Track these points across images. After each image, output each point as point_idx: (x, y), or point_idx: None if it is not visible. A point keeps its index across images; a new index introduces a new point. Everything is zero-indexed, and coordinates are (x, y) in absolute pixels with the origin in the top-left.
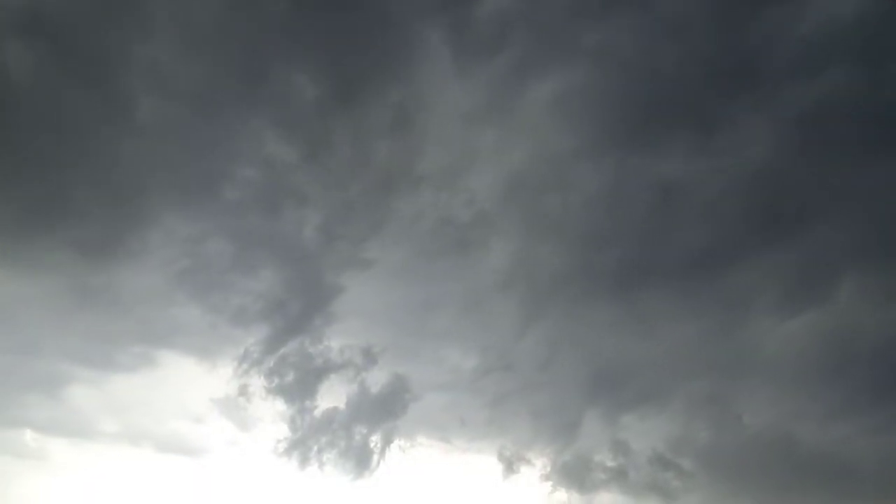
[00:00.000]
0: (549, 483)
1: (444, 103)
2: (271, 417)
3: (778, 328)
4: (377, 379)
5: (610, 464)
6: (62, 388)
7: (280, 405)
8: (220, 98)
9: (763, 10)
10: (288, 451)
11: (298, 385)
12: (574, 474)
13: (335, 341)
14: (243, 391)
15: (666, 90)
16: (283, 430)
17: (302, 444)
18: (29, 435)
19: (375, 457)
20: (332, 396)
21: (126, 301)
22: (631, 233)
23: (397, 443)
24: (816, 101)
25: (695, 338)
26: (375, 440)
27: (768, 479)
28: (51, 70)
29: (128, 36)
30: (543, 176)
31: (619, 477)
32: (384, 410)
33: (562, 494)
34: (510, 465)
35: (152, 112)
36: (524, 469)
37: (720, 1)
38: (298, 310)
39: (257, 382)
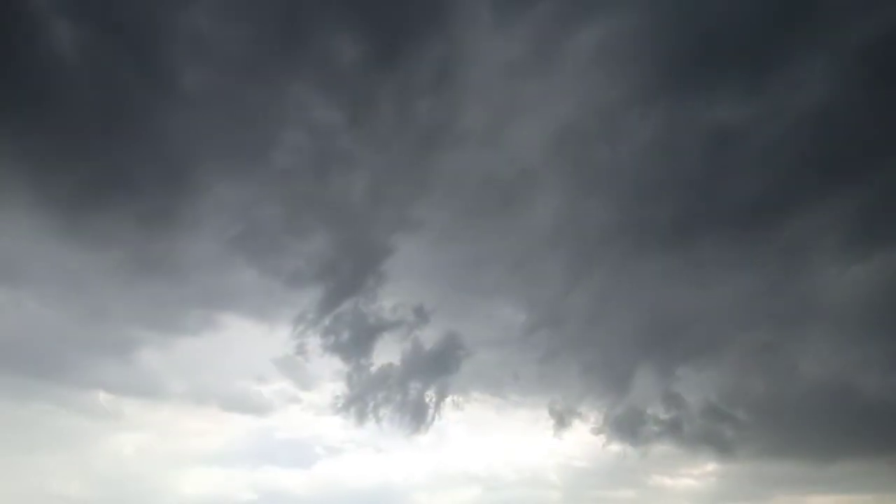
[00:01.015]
0: (603, 436)
1: (485, 57)
2: (329, 375)
3: (841, 275)
4: (430, 336)
5: (663, 416)
6: (132, 351)
7: (337, 363)
8: (263, 64)
9: None
10: (346, 407)
11: (353, 343)
12: (626, 427)
13: (387, 301)
14: (301, 350)
15: (717, 30)
16: (341, 388)
17: (359, 399)
18: (102, 396)
19: (430, 412)
20: (386, 354)
21: (186, 267)
22: (684, 182)
23: (451, 398)
24: (879, 33)
25: (752, 287)
26: (430, 395)
27: (826, 429)
28: (98, 48)
29: (169, 7)
30: (590, 127)
31: (672, 429)
32: (438, 367)
33: (616, 447)
34: (561, 420)
35: (198, 82)
36: (576, 423)
37: None
38: (350, 271)
39: (314, 342)
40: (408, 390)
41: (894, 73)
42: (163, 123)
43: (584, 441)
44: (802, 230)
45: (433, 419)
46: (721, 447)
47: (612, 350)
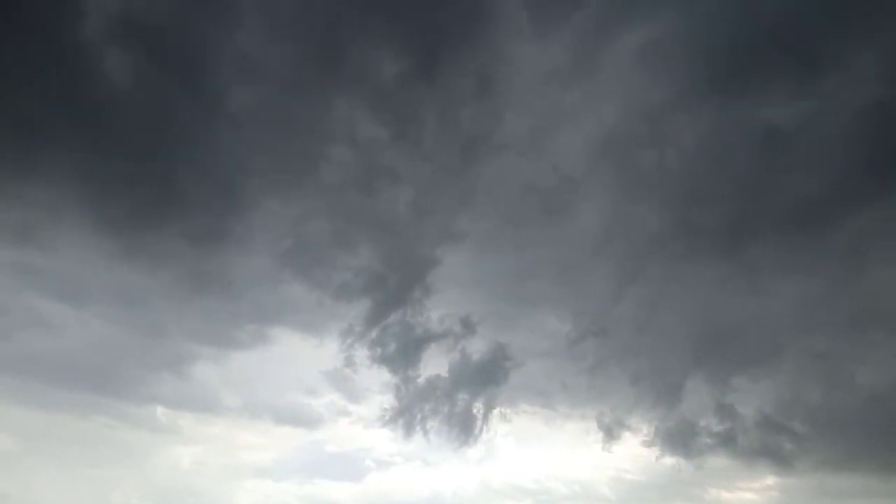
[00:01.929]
0: (656, 448)
1: (526, 65)
2: (378, 388)
3: None
4: (477, 347)
5: (716, 428)
6: (187, 366)
7: (385, 375)
8: (308, 82)
9: None
10: (394, 419)
11: (401, 355)
12: (678, 440)
13: (434, 312)
14: (349, 362)
15: (765, 27)
16: (389, 400)
17: (407, 412)
18: (160, 410)
19: (478, 424)
20: (434, 366)
21: (238, 283)
22: (734, 185)
23: (499, 410)
24: None
25: (808, 293)
26: (478, 407)
27: (888, 441)
28: (148, 72)
29: (215, 30)
30: (634, 132)
31: (727, 441)
32: (485, 378)
33: (670, 460)
34: (610, 432)
35: (245, 101)
36: (627, 435)
37: None
38: (397, 283)
39: (362, 354)
40: (455, 402)
41: None
42: (212, 143)
43: (635, 454)
44: (860, 232)
45: (481, 431)
46: (779, 460)
47: (663, 360)
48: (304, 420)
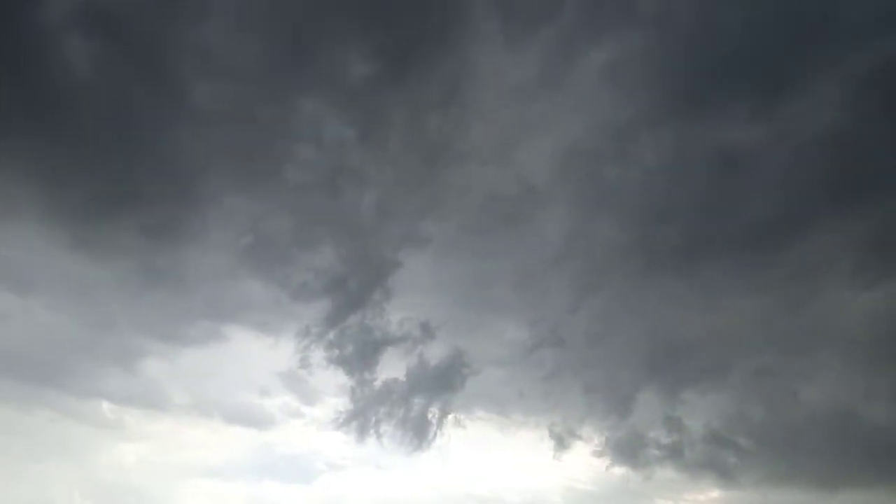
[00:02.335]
0: (606, 458)
1: (495, 75)
2: (333, 390)
3: (850, 302)
4: (436, 352)
5: (665, 440)
6: (136, 361)
7: (341, 377)
8: (274, 79)
9: None
10: (347, 422)
11: (358, 357)
12: (628, 450)
13: (394, 315)
14: (305, 363)
15: (727, 53)
16: (344, 403)
17: (361, 414)
18: (106, 406)
19: (433, 429)
20: (391, 369)
21: (192, 279)
22: (692, 204)
23: (454, 416)
24: (890, 59)
25: (759, 312)
26: (433, 412)
27: (829, 458)
28: (108, 62)
29: (180, 22)
30: (598, 147)
31: (674, 454)
32: (443, 383)
33: (619, 470)
34: (561, 441)
35: (208, 96)
36: (579, 445)
37: None
38: (357, 285)
39: (318, 355)
40: (411, 406)
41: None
42: (172, 136)
43: (587, 463)
44: (811, 256)
45: (435, 437)
46: (723, 473)
47: (616, 371)
48: (255, 420)
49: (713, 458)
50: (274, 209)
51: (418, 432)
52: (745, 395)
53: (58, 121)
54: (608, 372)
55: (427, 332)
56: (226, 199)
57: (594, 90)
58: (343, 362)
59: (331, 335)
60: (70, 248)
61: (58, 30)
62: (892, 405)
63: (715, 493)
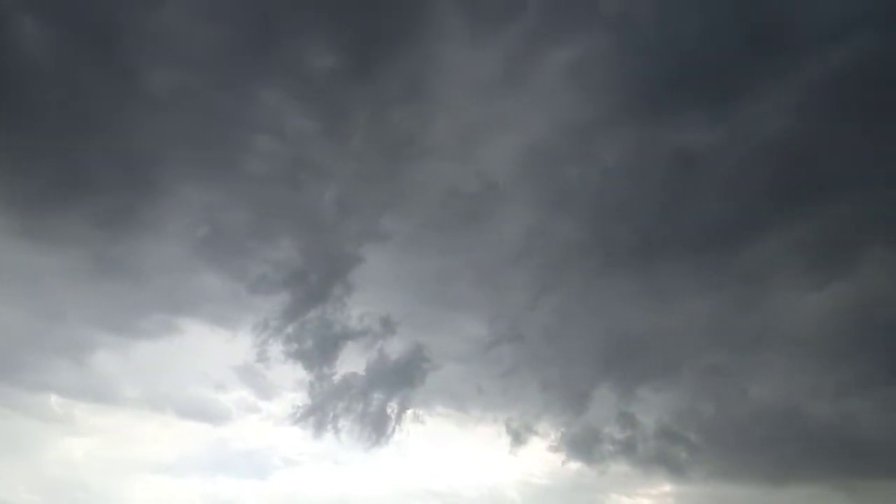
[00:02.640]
0: (562, 454)
1: (458, 72)
2: (291, 385)
3: (798, 303)
4: (396, 347)
5: (619, 436)
6: (86, 354)
7: (299, 372)
8: (234, 67)
9: None
10: (304, 417)
11: (317, 351)
12: (583, 446)
13: (354, 310)
14: (262, 357)
15: (686, 57)
16: (302, 398)
17: (319, 409)
18: (54, 399)
19: (392, 424)
20: (351, 364)
21: (146, 270)
22: (649, 204)
23: (413, 411)
24: (842, 67)
25: (712, 311)
26: (392, 407)
27: (776, 454)
28: (60, 44)
29: (136, 6)
30: (559, 146)
31: (627, 449)
32: (403, 378)
33: (574, 465)
34: (518, 437)
35: (165, 83)
36: (535, 440)
37: None
38: (318, 279)
39: (276, 349)
40: (370, 401)
41: (856, 107)
42: (126, 124)
43: (544, 458)
44: (761, 257)
45: (394, 432)
46: (675, 468)
47: (573, 368)
48: (210, 415)
49: (665, 454)
50: (232, 200)
51: (377, 427)
52: (696, 392)
53: (6, 106)
54: (565, 368)
55: (387, 326)
56: (182, 189)
57: (556, 90)
58: (302, 356)
59: (289, 329)
60: (18, 237)
61: (7, 11)
62: (836, 402)
63: (667, 488)
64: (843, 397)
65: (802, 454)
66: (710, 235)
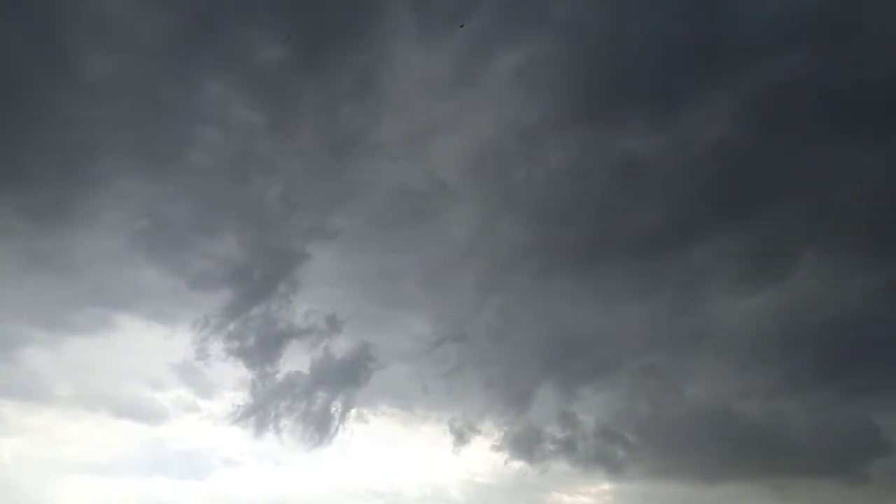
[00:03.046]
0: (504, 453)
1: (409, 71)
2: (232, 383)
3: (735, 306)
4: (342, 346)
5: (559, 435)
6: (15, 350)
7: (241, 370)
8: (178, 56)
9: None
10: (245, 416)
11: (260, 349)
12: (524, 445)
13: (300, 308)
14: (202, 355)
15: (630, 66)
16: (244, 397)
17: (261, 408)
18: None
19: (335, 423)
20: (295, 362)
21: (80, 263)
22: (593, 208)
23: (357, 410)
24: (777, 81)
25: (652, 313)
26: (336, 406)
27: (706, 453)
28: None
29: None
30: (507, 148)
31: (567, 448)
32: (348, 377)
33: (517, 464)
34: (461, 436)
35: (104, 71)
36: (479, 439)
37: None
38: (262, 275)
39: (217, 347)
40: (314, 400)
41: (789, 120)
42: (61, 113)
43: (486, 457)
44: (699, 263)
45: (337, 431)
46: (612, 467)
47: (516, 368)
48: (146, 414)
49: (603, 453)
50: (173, 193)
51: (320, 427)
52: (633, 393)
53: None
54: (508, 368)
55: (333, 325)
56: (120, 180)
57: (505, 92)
58: (244, 354)
59: (231, 326)
60: None
61: None
62: (766, 403)
63: (605, 486)
64: (773, 398)
65: (734, 453)
66: (650, 240)
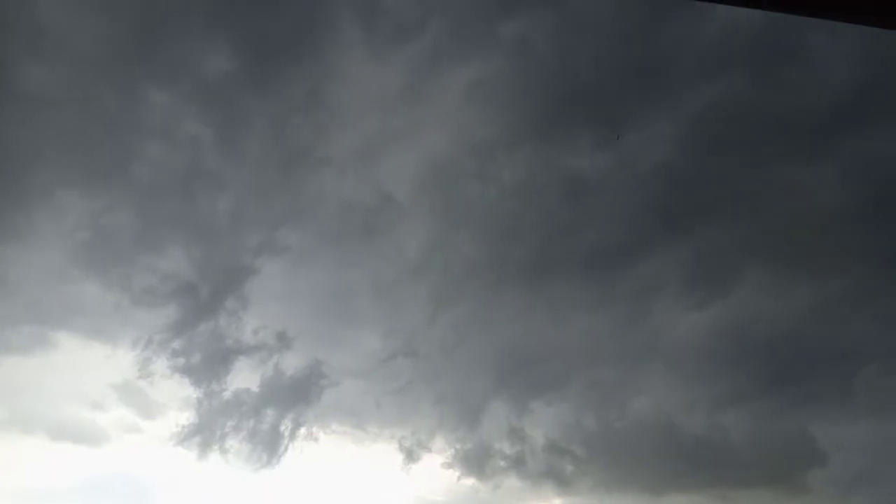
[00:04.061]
0: (455, 470)
1: (359, 85)
2: (177, 403)
3: (680, 320)
4: (292, 363)
5: (509, 451)
6: None
7: (186, 389)
8: (120, 67)
9: (670, 15)
10: (190, 437)
11: (207, 366)
12: (475, 462)
13: (249, 324)
14: (145, 374)
15: (578, 87)
16: (189, 416)
17: (206, 428)
18: None
19: (285, 442)
20: (243, 380)
21: (14, 280)
22: (543, 224)
23: (308, 429)
24: (717, 103)
25: (600, 327)
26: (286, 425)
27: (653, 466)
28: None
29: None
30: (457, 164)
31: (517, 464)
32: (298, 395)
33: (468, 481)
34: (410, 454)
35: (41, 82)
36: (430, 457)
37: (630, 5)
38: (209, 291)
39: (162, 364)
40: (262, 419)
41: (723, 141)
42: None
43: (439, 475)
44: (646, 277)
45: (286, 451)
46: (561, 481)
47: (467, 382)
48: (85, 437)
49: (552, 467)
50: (115, 205)
51: (268, 447)
52: (581, 406)
53: None
54: (460, 383)
55: (283, 341)
56: (58, 194)
57: (456, 108)
58: (189, 371)
59: (176, 343)
60: None
61: None
62: (709, 416)
63: (556, 501)
64: (716, 411)
65: (680, 465)
66: (598, 255)
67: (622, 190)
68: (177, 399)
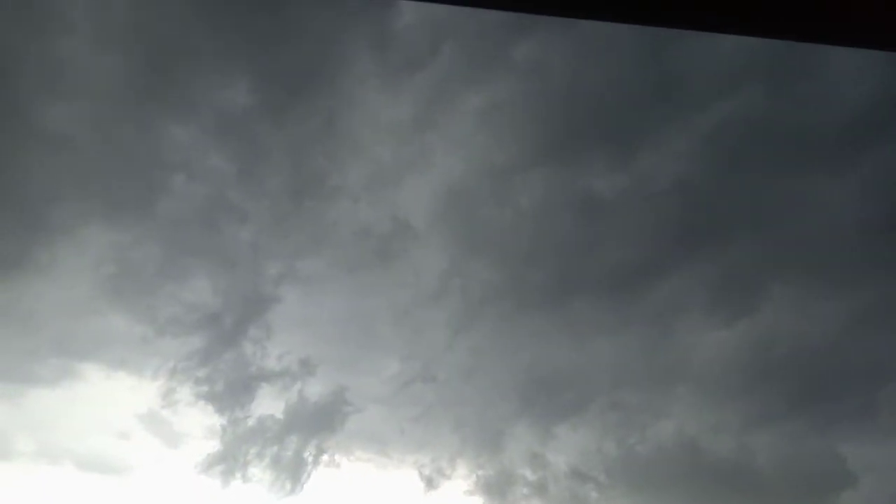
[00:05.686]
0: (478, 497)
1: (373, 114)
2: (201, 432)
3: (704, 340)
4: (316, 389)
5: (531, 477)
6: None
7: (210, 417)
8: (143, 104)
9: (683, 34)
10: (213, 465)
11: (230, 394)
12: (496, 489)
13: (273, 351)
14: (170, 403)
15: (592, 106)
16: (214, 445)
17: (230, 456)
18: None
19: (308, 469)
20: (267, 407)
21: (41, 314)
22: (561, 246)
23: (329, 456)
24: (729, 120)
25: (622, 349)
26: (310, 452)
27: (678, 490)
28: None
29: (29, 34)
30: (473, 189)
31: (540, 490)
32: (322, 422)
33: None
34: (431, 481)
35: (63, 120)
36: (449, 484)
37: (642, 27)
38: (233, 320)
39: (186, 393)
40: (286, 446)
41: (738, 157)
42: (13, 163)
43: (460, 502)
44: (668, 297)
45: (309, 478)
46: None
47: (489, 408)
48: (111, 467)
49: (577, 494)
50: (140, 238)
51: (292, 474)
52: (604, 431)
53: None
54: (481, 409)
55: (307, 367)
56: (81, 229)
57: (471, 133)
58: (213, 399)
59: (200, 372)
60: None
61: None
62: (736, 437)
63: None
64: (744, 432)
65: (706, 488)
66: (618, 276)
67: (641, 209)
68: (201, 427)
